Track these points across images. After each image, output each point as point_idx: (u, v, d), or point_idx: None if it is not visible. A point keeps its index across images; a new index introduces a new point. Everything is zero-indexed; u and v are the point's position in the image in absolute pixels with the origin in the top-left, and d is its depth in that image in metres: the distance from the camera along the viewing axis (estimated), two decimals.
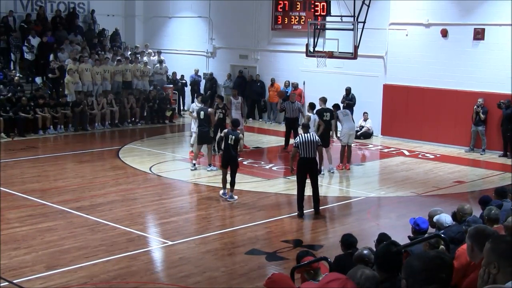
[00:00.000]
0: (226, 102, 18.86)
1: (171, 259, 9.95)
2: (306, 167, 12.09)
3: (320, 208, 12.39)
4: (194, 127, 17.05)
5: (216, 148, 16.83)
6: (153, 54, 26.24)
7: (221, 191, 13.38)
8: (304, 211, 12.22)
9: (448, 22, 19.84)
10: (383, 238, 7.04)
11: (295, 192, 12.70)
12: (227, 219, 12.43)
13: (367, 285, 3.65)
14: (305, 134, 12.18)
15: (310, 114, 16.14)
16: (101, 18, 27.22)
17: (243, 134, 19.06)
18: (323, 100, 16.77)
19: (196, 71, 25.93)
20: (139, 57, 25.23)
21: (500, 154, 18.64)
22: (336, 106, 16.88)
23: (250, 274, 9.26)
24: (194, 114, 16.70)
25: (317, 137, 12.37)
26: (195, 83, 25.74)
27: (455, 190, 14.80)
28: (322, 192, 12.84)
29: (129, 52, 25.35)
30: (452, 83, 19.80)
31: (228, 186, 13.22)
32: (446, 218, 7.64)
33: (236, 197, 13.33)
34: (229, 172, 13.14)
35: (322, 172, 14.48)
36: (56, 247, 10.15)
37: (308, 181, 12.23)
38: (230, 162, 13.15)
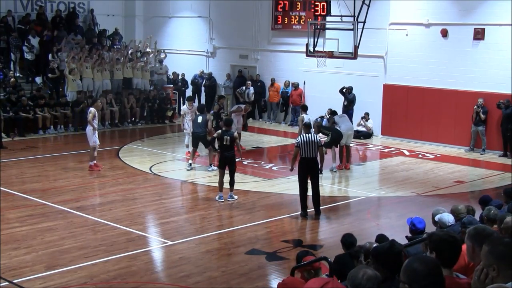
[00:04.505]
0: (235, 109, 19.00)
1: (171, 259, 9.94)
2: (307, 167, 12.08)
3: (320, 208, 12.38)
4: (187, 127, 17.15)
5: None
6: (151, 53, 26.16)
7: (217, 195, 13.25)
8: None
9: (448, 22, 19.84)
10: (382, 239, 7.03)
11: (295, 192, 12.71)
12: (227, 219, 12.42)
13: (369, 285, 3.63)
14: (307, 135, 12.17)
15: (303, 115, 16.53)
16: (101, 18, 27.21)
17: (239, 135, 19.29)
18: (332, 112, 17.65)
19: (201, 72, 25.94)
20: (139, 55, 25.13)
21: (500, 154, 18.64)
22: (332, 113, 17.33)
23: (250, 274, 9.25)
24: (187, 117, 17.12)
25: (318, 138, 12.37)
26: (194, 84, 25.73)
27: (455, 190, 14.80)
28: (322, 192, 12.82)
29: (130, 51, 25.27)
30: (452, 83, 19.80)
31: (227, 186, 13.22)
32: (448, 217, 7.65)
33: (236, 196, 13.32)
34: (227, 172, 13.13)
35: (322, 172, 14.52)
36: (56, 247, 10.15)
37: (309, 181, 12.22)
38: (227, 162, 13.13)
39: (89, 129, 15.66)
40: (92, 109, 15.70)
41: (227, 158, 13.11)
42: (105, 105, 22.27)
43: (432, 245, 4.22)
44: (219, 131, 13.71)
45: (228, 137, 13.03)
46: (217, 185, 13.47)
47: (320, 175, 12.71)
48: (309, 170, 12.10)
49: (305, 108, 17.09)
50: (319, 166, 12.57)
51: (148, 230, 11.53)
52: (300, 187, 12.19)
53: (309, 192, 12.28)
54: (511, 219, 5.50)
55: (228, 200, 13.16)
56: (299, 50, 21.32)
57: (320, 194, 12.45)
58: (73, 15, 26.11)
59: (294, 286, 5.87)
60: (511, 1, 18.19)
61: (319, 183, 12.42)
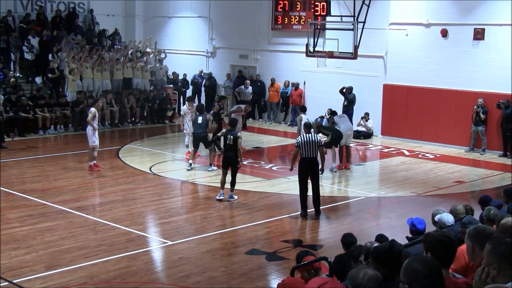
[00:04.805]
0: (235, 109, 18.98)
1: (171, 259, 9.94)
2: (307, 167, 12.08)
3: (320, 208, 12.37)
4: (187, 127, 17.19)
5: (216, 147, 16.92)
6: (151, 53, 26.15)
7: (218, 194, 13.25)
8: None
9: (448, 22, 19.84)
10: (382, 239, 7.03)
11: (295, 192, 12.70)
12: (227, 219, 12.42)
13: (370, 285, 3.63)
14: (307, 134, 12.17)
15: (302, 115, 16.59)
16: (101, 18, 27.21)
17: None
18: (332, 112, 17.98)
19: (200, 72, 25.95)
20: (139, 55, 25.13)
21: (500, 154, 18.65)
22: (332, 113, 17.48)
23: (250, 274, 9.25)
24: (187, 117, 17.22)
25: (318, 138, 12.37)
26: (193, 84, 25.73)
27: (455, 190, 14.80)
28: (322, 192, 12.82)
29: (130, 51, 25.26)
30: (452, 83, 19.80)
31: (228, 186, 13.21)
32: (448, 217, 7.65)
33: (236, 197, 13.32)
34: (229, 172, 13.14)
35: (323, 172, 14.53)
36: (56, 247, 10.15)
37: (309, 181, 12.22)
38: (230, 162, 13.15)
39: (89, 129, 15.66)
40: (92, 109, 15.71)
41: (230, 158, 13.12)
42: (105, 105, 22.26)
43: (427, 246, 4.23)
44: (223, 130, 13.76)
45: (232, 137, 13.04)
46: (216, 185, 13.48)
47: (320, 174, 12.70)
48: (309, 170, 12.10)
49: (303, 109, 17.16)
50: (320, 165, 12.58)
51: (148, 230, 11.53)
52: (300, 187, 12.19)
53: (309, 192, 12.29)
54: (509, 219, 5.50)
55: (228, 200, 13.15)
56: (299, 50, 21.31)
57: (320, 194, 12.45)
58: (73, 15, 26.11)
59: (294, 286, 5.87)
60: (511, 1, 18.20)
61: (319, 183, 12.43)
